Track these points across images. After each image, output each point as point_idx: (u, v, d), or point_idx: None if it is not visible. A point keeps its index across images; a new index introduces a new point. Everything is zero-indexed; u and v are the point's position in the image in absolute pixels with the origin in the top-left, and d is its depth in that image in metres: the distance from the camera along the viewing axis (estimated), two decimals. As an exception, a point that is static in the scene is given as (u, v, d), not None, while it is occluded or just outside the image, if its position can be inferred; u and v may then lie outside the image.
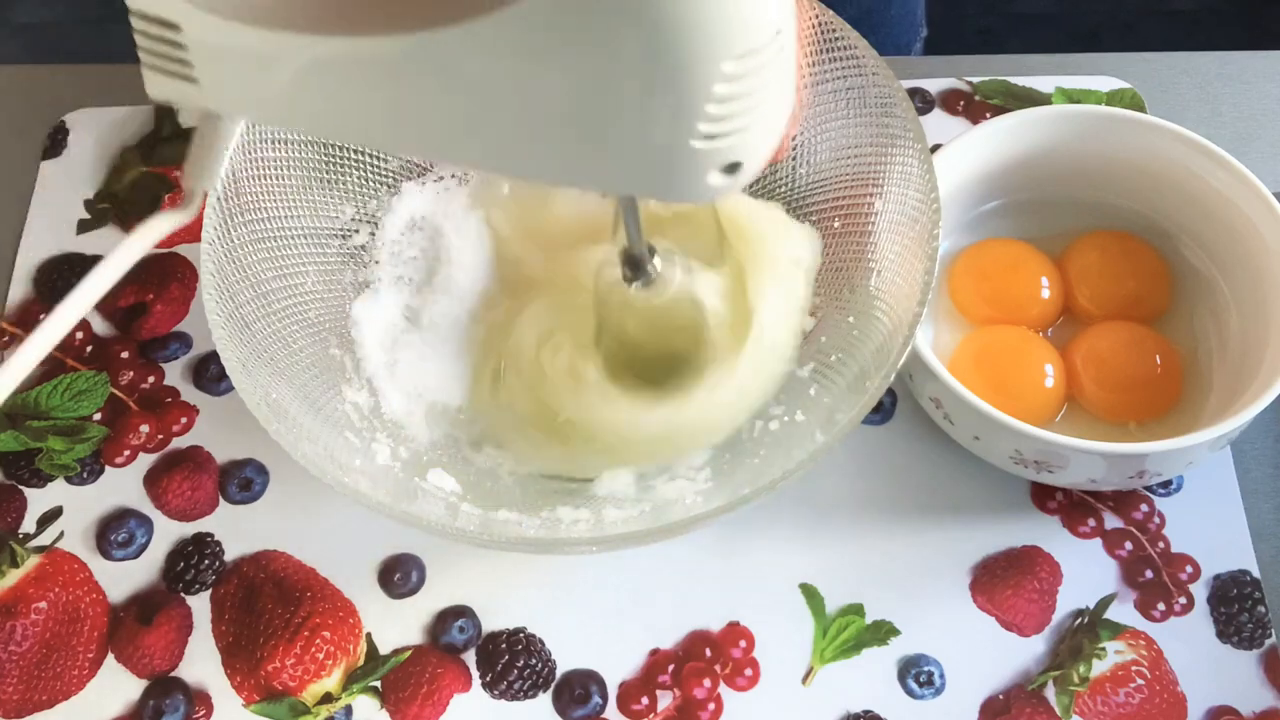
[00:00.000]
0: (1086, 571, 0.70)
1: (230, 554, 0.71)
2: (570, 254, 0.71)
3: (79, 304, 0.50)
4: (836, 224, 0.71)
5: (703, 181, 0.45)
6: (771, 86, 0.44)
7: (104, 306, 0.78)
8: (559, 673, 0.68)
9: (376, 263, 0.72)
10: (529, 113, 0.44)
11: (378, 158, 0.72)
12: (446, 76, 0.43)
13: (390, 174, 0.73)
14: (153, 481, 0.73)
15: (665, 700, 0.67)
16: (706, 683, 0.67)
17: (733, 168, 0.45)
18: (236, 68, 0.47)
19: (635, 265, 0.62)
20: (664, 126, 0.43)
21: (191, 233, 0.58)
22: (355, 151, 0.70)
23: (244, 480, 0.73)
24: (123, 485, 0.73)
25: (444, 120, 0.46)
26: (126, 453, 0.74)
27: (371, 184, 0.72)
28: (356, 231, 0.72)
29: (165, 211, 0.52)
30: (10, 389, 0.48)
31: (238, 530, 0.72)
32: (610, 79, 0.42)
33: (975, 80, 0.87)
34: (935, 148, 0.73)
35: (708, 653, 0.68)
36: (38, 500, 0.72)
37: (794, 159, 0.73)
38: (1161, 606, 0.69)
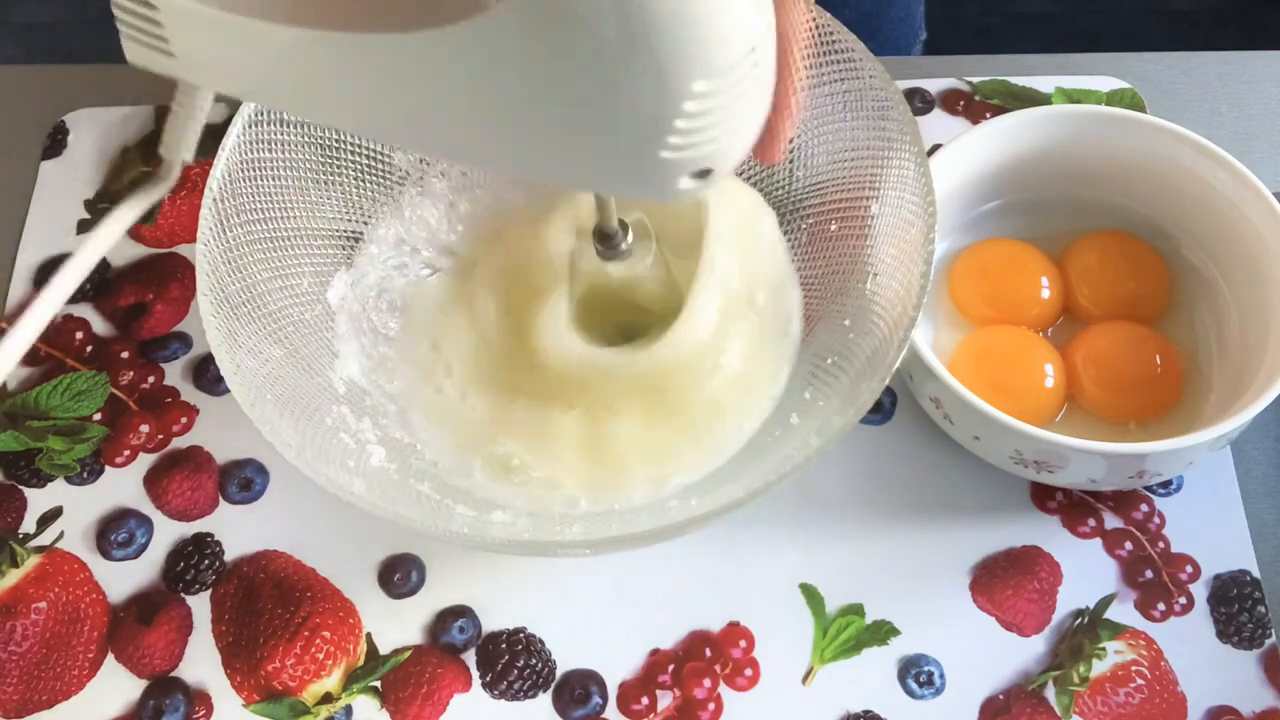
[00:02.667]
0: (1086, 571, 0.70)
1: (230, 554, 0.71)
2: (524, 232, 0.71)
3: (70, 279, 0.51)
4: (833, 227, 0.71)
5: (672, 185, 0.46)
6: (746, 98, 0.45)
7: (104, 307, 0.78)
8: (559, 673, 0.68)
9: (371, 267, 0.72)
10: (500, 113, 0.44)
11: (375, 160, 0.72)
12: (421, 75, 0.44)
13: (388, 176, 0.73)
14: (153, 481, 0.73)
15: (665, 700, 0.67)
16: (706, 683, 0.67)
17: (703, 173, 0.46)
18: (212, 46, 0.47)
19: (608, 240, 0.62)
20: (635, 137, 0.44)
21: (191, 233, 0.58)
22: (352, 153, 0.70)
23: (244, 480, 0.73)
24: (123, 485, 0.73)
25: (420, 114, 0.46)
26: (126, 453, 0.74)
27: (368, 186, 0.72)
28: (353, 234, 0.72)
29: (146, 187, 0.52)
30: (6, 370, 0.48)
31: (238, 530, 0.72)
32: (582, 91, 0.43)
33: (975, 80, 0.87)
34: (935, 148, 0.73)
35: (708, 653, 0.68)
36: (38, 500, 0.72)
37: (791, 162, 0.73)
38: (1161, 606, 0.69)
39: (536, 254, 0.69)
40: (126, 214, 0.52)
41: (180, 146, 0.52)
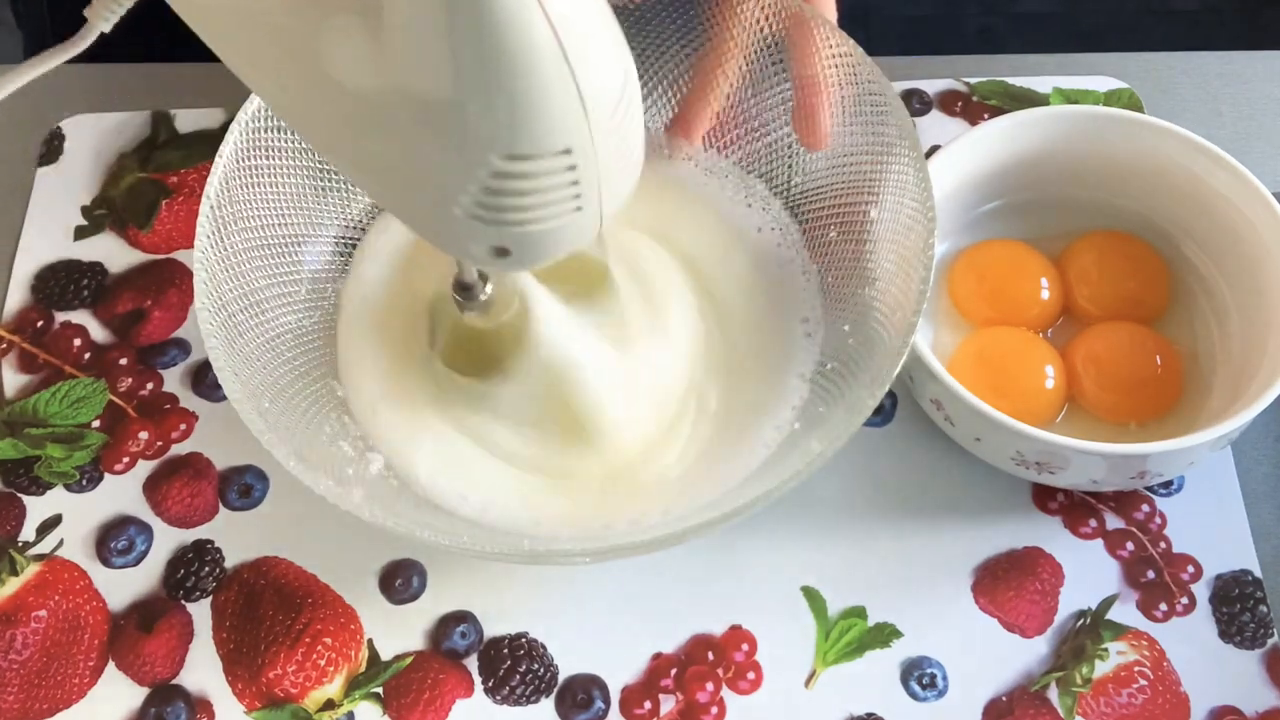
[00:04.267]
0: (1088, 572, 0.70)
1: (230, 561, 0.71)
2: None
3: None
4: (832, 233, 0.71)
5: (468, 249, 0.49)
6: (555, 196, 0.45)
7: (102, 313, 0.78)
8: (561, 677, 0.68)
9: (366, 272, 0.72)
10: (350, 115, 0.46)
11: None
12: (300, 53, 0.45)
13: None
14: (152, 488, 0.73)
15: (668, 704, 0.67)
16: (709, 686, 0.67)
17: (500, 251, 0.47)
18: None
19: (465, 291, 0.62)
20: (436, 185, 0.45)
21: (188, 239, 0.58)
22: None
23: (244, 486, 0.73)
24: (122, 492, 0.73)
25: (295, 93, 0.48)
26: (126, 459, 0.74)
27: (364, 193, 0.72)
28: (350, 240, 0.72)
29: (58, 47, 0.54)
30: None
31: (238, 537, 0.71)
32: (406, 121, 0.44)
33: (973, 81, 0.87)
34: (933, 149, 0.73)
35: (710, 656, 0.68)
36: (37, 508, 0.72)
37: (789, 167, 0.73)
38: (1163, 607, 0.69)
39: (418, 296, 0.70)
40: (43, 63, 0.55)
41: (104, 14, 0.52)
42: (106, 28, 0.53)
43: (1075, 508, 0.72)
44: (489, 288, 0.61)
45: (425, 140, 0.44)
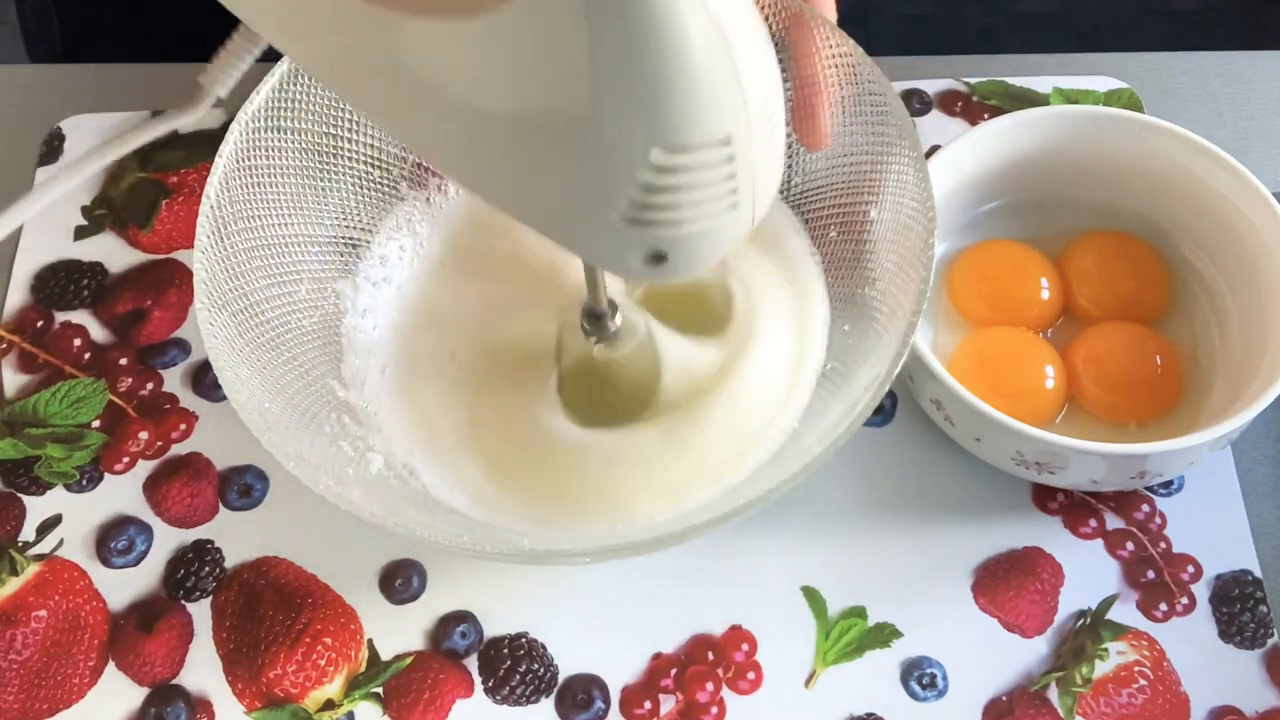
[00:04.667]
0: (1088, 572, 0.70)
1: (230, 560, 0.71)
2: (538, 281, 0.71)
3: (99, 162, 0.53)
4: (832, 233, 0.71)
5: (624, 260, 0.46)
6: (713, 192, 0.44)
7: (102, 313, 0.78)
8: (561, 677, 0.68)
9: (370, 273, 0.72)
10: (483, 129, 0.44)
11: (373, 167, 0.72)
12: (416, 63, 0.44)
13: (386, 183, 0.73)
14: (152, 488, 0.73)
15: (668, 704, 0.67)
16: (709, 686, 0.67)
17: (658, 257, 0.45)
18: None
19: (594, 320, 0.62)
20: (589, 193, 0.44)
21: (188, 238, 0.58)
22: (350, 160, 0.70)
23: (244, 486, 0.73)
24: (122, 492, 0.73)
25: (412, 105, 0.46)
26: (125, 459, 0.74)
27: (367, 192, 0.72)
28: (351, 240, 0.72)
29: (175, 111, 0.53)
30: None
31: (238, 537, 0.72)
32: (553, 122, 0.43)
33: (973, 81, 0.87)
34: (933, 149, 0.73)
35: (710, 656, 0.68)
36: (37, 508, 0.72)
37: (789, 167, 0.72)
38: (1163, 607, 0.69)
39: (519, 325, 0.70)
40: (154, 129, 0.53)
41: (219, 80, 0.52)
42: (223, 93, 0.53)
43: (1075, 508, 0.72)
44: (618, 318, 0.62)
45: (577, 147, 0.43)
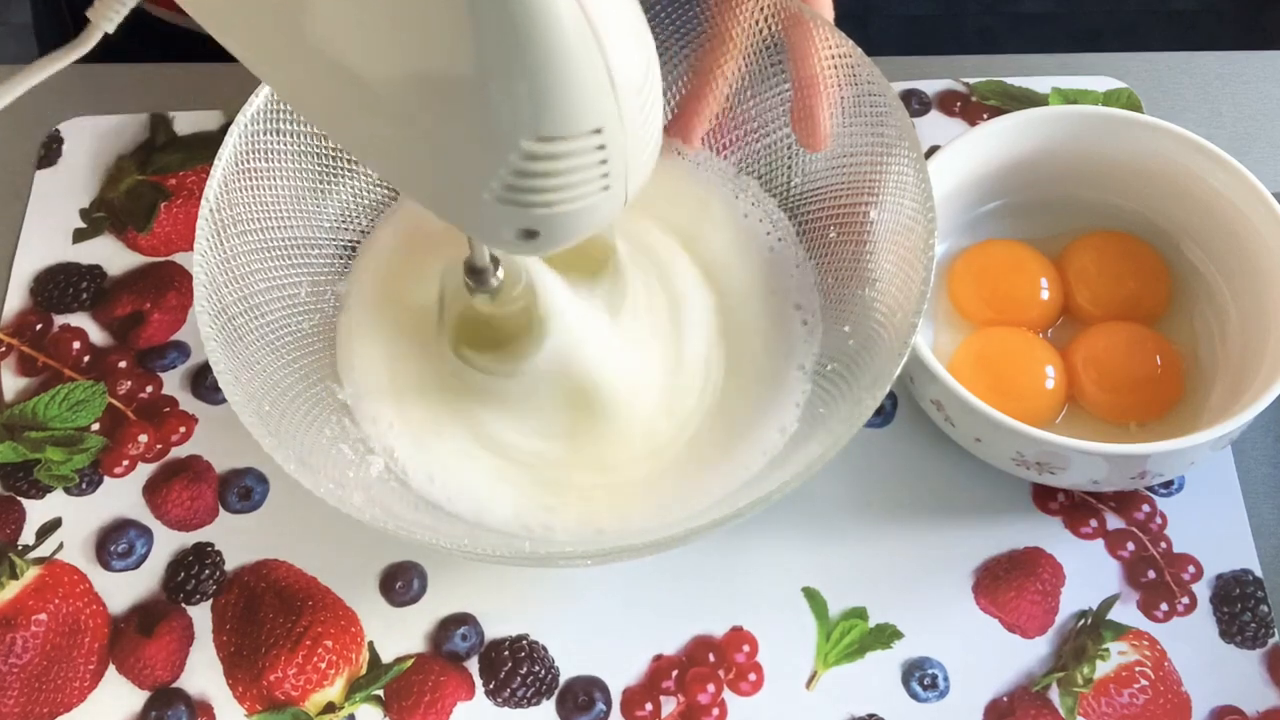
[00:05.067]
0: (1089, 572, 0.70)
1: (231, 563, 0.71)
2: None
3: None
4: (832, 234, 0.71)
5: (497, 234, 0.48)
6: (584, 177, 0.45)
7: (101, 316, 0.78)
8: (562, 679, 0.68)
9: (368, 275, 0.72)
10: (371, 103, 0.46)
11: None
12: (316, 30, 0.45)
13: (384, 185, 0.73)
14: (152, 491, 0.73)
15: (669, 706, 0.67)
16: (710, 688, 0.67)
17: (529, 233, 0.47)
18: None
19: (477, 275, 0.62)
20: (465, 169, 0.45)
21: (187, 241, 0.58)
22: (349, 161, 0.70)
23: (244, 489, 0.73)
24: (122, 495, 0.73)
25: (312, 76, 0.47)
26: (125, 463, 0.73)
27: (365, 195, 0.72)
28: (350, 243, 0.72)
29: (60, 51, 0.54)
30: None
31: (238, 539, 0.71)
32: (430, 105, 0.44)
33: (972, 81, 0.87)
34: (933, 150, 0.73)
35: (711, 658, 0.68)
36: (36, 511, 0.72)
37: (788, 168, 0.73)
38: (1164, 607, 0.69)
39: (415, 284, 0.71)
40: (49, 65, 0.55)
41: (107, 14, 0.52)
42: (110, 28, 0.53)
43: (1076, 508, 0.72)
44: (500, 272, 0.62)
45: (453, 127, 0.44)
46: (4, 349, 0.77)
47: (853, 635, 0.69)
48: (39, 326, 0.78)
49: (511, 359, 0.66)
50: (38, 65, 0.54)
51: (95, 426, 0.75)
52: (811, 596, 0.69)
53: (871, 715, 0.67)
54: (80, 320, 0.78)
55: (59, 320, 0.78)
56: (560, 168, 0.45)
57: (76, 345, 0.77)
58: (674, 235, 0.72)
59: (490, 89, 0.42)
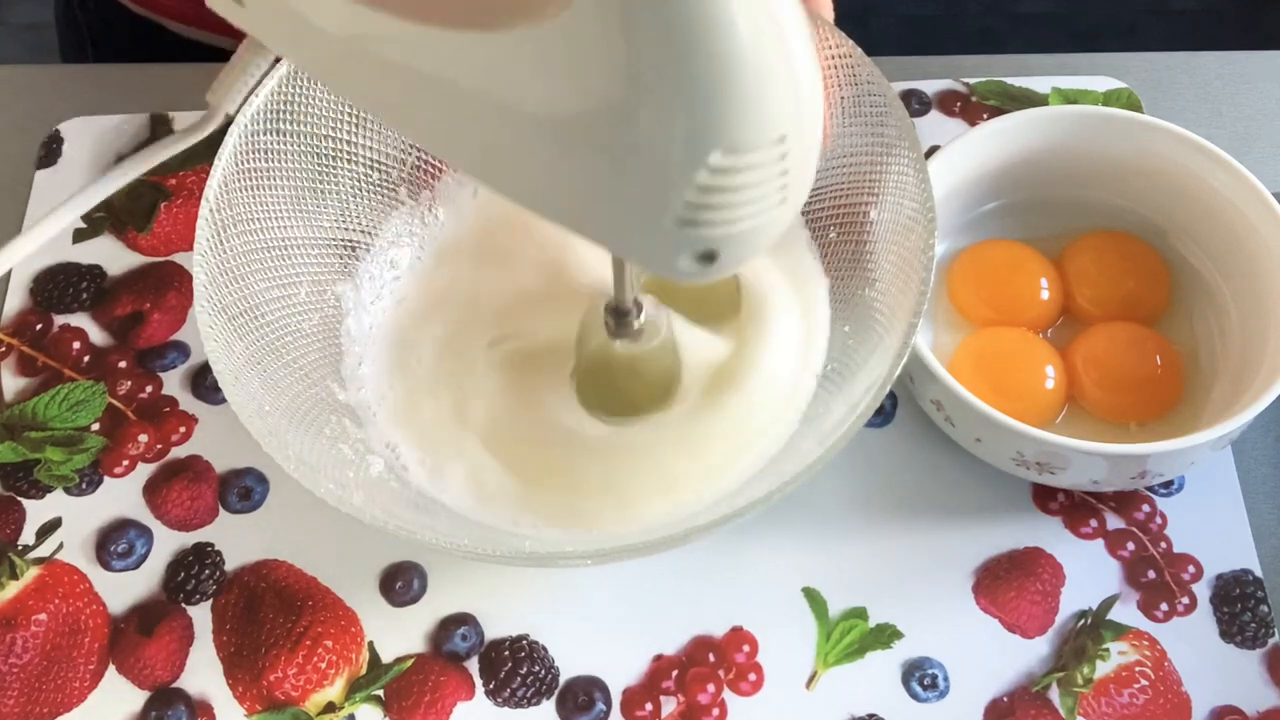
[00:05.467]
0: (1089, 572, 0.70)
1: (231, 563, 0.71)
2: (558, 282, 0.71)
3: (92, 197, 0.51)
4: (832, 234, 0.70)
5: (674, 262, 0.45)
6: (766, 190, 0.43)
7: (101, 316, 0.78)
8: (562, 679, 0.68)
9: (370, 276, 0.72)
10: (526, 135, 0.43)
11: (372, 169, 0.72)
12: (469, 78, 0.43)
13: (385, 185, 0.73)
14: (152, 491, 0.73)
15: (669, 706, 0.67)
16: (710, 688, 0.67)
17: (708, 256, 0.44)
18: (282, 9, 0.46)
19: (619, 317, 0.62)
20: (642, 192, 0.43)
21: (187, 241, 0.58)
22: (349, 163, 0.70)
23: (244, 489, 0.73)
24: (122, 495, 0.73)
25: (458, 122, 0.45)
26: (125, 463, 0.73)
27: (366, 195, 0.72)
28: (350, 243, 0.72)
29: (180, 131, 0.52)
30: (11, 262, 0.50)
31: (238, 540, 0.71)
32: (604, 128, 0.42)
33: (972, 81, 0.87)
34: (933, 149, 0.73)
35: (711, 658, 0.68)
36: (36, 511, 0.72)
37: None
38: (1164, 607, 0.69)
39: (544, 321, 0.70)
40: (163, 150, 0.52)
41: (228, 96, 0.52)
42: (232, 109, 0.52)
43: (1076, 508, 0.72)
44: (643, 315, 0.62)
45: (634, 150, 0.42)
46: (4, 349, 0.77)
47: (853, 635, 0.69)
48: (39, 326, 0.78)
49: (643, 408, 0.66)
50: (155, 147, 0.53)
51: (95, 426, 0.75)
52: (811, 596, 0.69)
53: (871, 715, 0.67)
54: (80, 320, 0.78)
55: (59, 320, 0.78)
56: (745, 181, 0.42)
57: (76, 345, 0.77)
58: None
59: (677, 106, 0.40)
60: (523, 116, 0.43)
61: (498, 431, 0.67)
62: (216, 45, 0.98)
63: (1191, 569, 0.70)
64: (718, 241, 0.44)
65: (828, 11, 0.68)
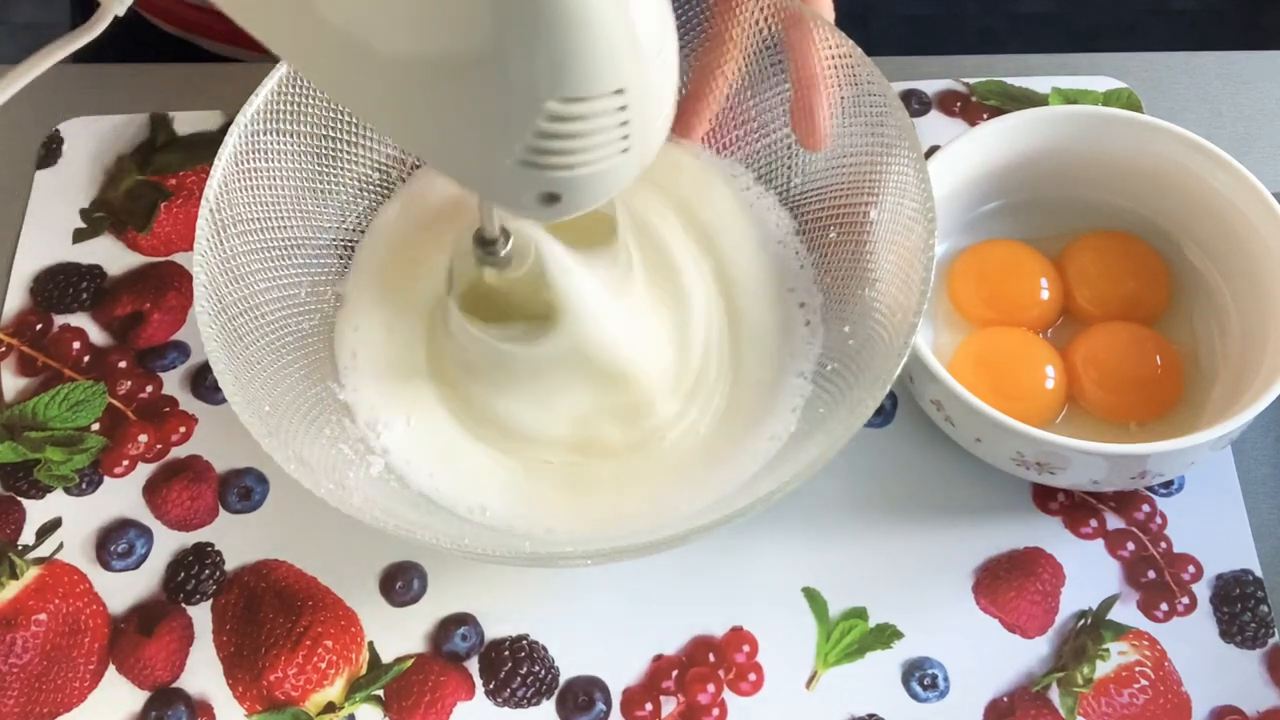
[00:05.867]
0: (1089, 572, 0.70)
1: (231, 564, 0.71)
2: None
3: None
4: (832, 234, 0.70)
5: (519, 200, 0.48)
6: (606, 139, 0.46)
7: (101, 316, 0.78)
8: (562, 679, 0.68)
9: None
10: (389, 71, 0.46)
11: (372, 169, 0.72)
12: (338, 17, 0.45)
13: (385, 185, 0.73)
14: (152, 491, 0.73)
15: (669, 706, 0.67)
16: (710, 688, 0.67)
17: (551, 197, 0.48)
18: None
19: (487, 246, 0.62)
20: (486, 136, 0.46)
21: (187, 241, 0.58)
22: (349, 162, 0.70)
23: (244, 489, 0.73)
24: (122, 495, 0.73)
25: (336, 60, 0.47)
26: (125, 463, 0.73)
27: (365, 194, 0.72)
28: (350, 243, 0.72)
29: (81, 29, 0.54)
30: None
31: (238, 540, 0.71)
32: (452, 73, 0.44)
33: (972, 81, 0.87)
34: (933, 150, 0.73)
35: (711, 658, 0.68)
36: (36, 511, 0.72)
37: (789, 168, 0.72)
38: (1164, 607, 0.69)
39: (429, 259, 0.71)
40: (62, 47, 0.55)
41: None
42: (120, 10, 0.53)
43: (1076, 508, 0.72)
44: (509, 243, 0.62)
45: (475, 92, 0.44)
46: (4, 349, 0.77)
47: (853, 635, 0.69)
48: (39, 326, 0.78)
49: (520, 328, 0.66)
50: (47, 50, 0.54)
51: (95, 426, 0.75)
52: (811, 596, 0.69)
53: (871, 715, 0.67)
54: (80, 320, 0.78)
55: (59, 320, 0.78)
56: (583, 129, 0.45)
57: (76, 345, 0.77)
58: (678, 213, 0.72)
59: (514, 52, 0.43)
60: (383, 56, 0.45)
61: (445, 368, 0.69)
62: (216, 49, 0.98)
63: (1191, 569, 0.70)
64: (559, 184, 0.47)
65: (828, 12, 0.68)
